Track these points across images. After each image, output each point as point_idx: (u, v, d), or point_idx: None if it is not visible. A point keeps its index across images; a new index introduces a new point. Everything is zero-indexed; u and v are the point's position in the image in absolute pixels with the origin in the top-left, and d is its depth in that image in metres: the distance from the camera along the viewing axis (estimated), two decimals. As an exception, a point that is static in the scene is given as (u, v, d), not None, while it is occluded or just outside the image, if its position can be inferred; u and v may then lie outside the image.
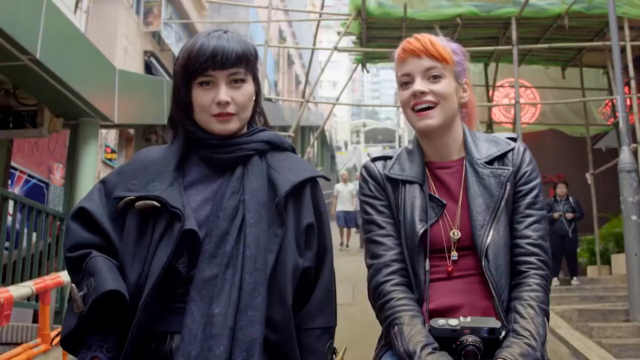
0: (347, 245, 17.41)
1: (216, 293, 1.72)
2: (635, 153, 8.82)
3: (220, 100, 1.84)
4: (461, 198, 2.04)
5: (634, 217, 7.68)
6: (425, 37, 2.06)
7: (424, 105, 2.02)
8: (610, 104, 14.01)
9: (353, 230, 18.63)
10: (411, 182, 2.07)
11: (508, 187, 2.01)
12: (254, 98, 1.96)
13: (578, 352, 7.08)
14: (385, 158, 2.17)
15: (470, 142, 2.11)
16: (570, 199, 12.13)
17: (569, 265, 12.22)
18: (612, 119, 14.15)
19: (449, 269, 1.99)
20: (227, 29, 1.97)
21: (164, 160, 1.91)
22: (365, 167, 2.19)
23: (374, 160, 2.18)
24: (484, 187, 2.02)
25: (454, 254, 2.00)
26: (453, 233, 2.01)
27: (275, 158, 1.97)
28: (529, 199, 2.04)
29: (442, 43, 2.06)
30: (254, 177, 1.87)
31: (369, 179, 2.15)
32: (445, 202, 2.04)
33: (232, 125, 1.89)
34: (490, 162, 2.06)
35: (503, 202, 2.00)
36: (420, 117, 2.03)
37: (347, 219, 17.49)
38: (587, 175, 12.68)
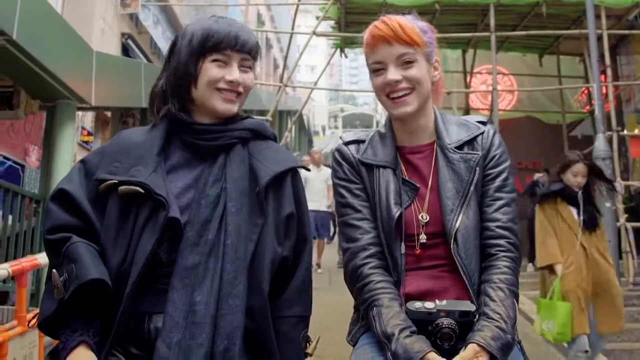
0: (319, 265, 11.67)
1: (198, 281, 1.72)
2: (610, 141, 8.91)
3: (235, 80, 1.89)
4: (431, 182, 2.05)
5: (607, 204, 7.76)
6: (394, 21, 1.99)
7: (400, 93, 2.00)
8: (586, 91, 14.11)
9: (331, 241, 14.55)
10: (384, 167, 2.07)
11: (477, 172, 2.02)
12: None
13: (552, 336, 7.12)
14: (358, 142, 2.16)
15: (441, 126, 2.10)
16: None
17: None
18: (587, 107, 14.25)
19: (417, 252, 2.00)
20: (214, 14, 2.02)
21: (147, 144, 1.89)
22: (338, 150, 2.18)
23: (347, 144, 2.17)
24: (453, 171, 2.02)
25: (422, 237, 2.00)
26: (421, 216, 2.01)
27: (258, 146, 1.97)
28: (498, 182, 2.05)
29: (410, 24, 2.00)
30: (236, 166, 1.88)
31: (343, 162, 2.14)
32: (418, 185, 2.04)
33: (235, 108, 1.94)
34: (460, 147, 2.06)
35: (472, 187, 2.00)
36: (397, 105, 2.02)
37: (318, 225, 11.55)
38: (563, 163, 12.75)
